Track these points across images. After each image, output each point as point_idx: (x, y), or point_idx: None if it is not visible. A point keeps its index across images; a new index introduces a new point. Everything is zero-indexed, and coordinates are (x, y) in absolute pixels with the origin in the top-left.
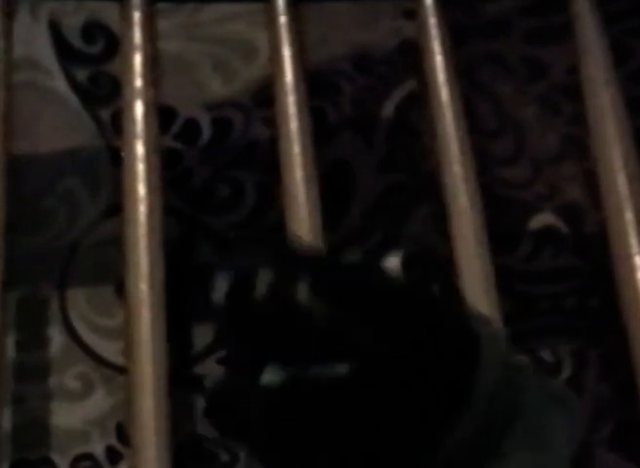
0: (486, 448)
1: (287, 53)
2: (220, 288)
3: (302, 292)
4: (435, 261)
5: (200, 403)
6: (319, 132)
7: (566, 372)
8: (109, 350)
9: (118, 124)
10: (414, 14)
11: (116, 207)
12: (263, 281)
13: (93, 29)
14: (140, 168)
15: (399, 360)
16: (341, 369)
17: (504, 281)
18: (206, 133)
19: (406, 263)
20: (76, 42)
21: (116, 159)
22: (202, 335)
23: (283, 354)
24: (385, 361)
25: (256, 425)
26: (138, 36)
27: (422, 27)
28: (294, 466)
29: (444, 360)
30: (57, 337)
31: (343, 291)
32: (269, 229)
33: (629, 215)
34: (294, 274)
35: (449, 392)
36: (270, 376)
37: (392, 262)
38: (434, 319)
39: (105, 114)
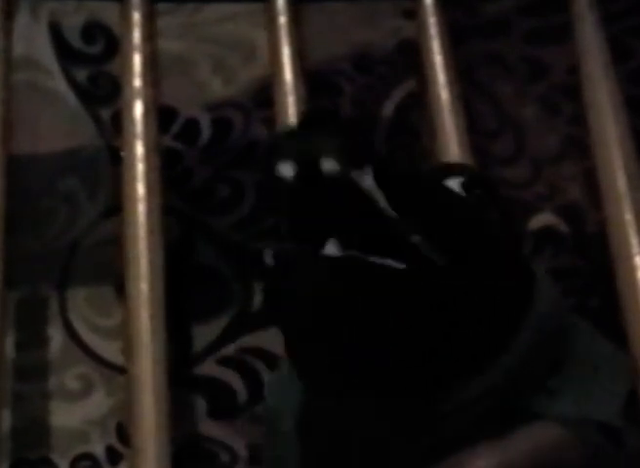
0: (536, 372)
1: (287, 53)
2: (286, 166)
3: (368, 180)
4: (494, 188)
5: (200, 403)
6: None
7: None
8: (109, 350)
9: (118, 124)
10: (414, 14)
11: (116, 207)
12: (330, 165)
13: (93, 29)
14: (140, 168)
15: (456, 271)
16: (398, 265)
17: None
18: (206, 133)
19: (466, 185)
20: (76, 42)
21: (116, 159)
22: (202, 335)
23: (346, 234)
24: (442, 269)
25: (308, 299)
26: (137, 36)
27: (422, 27)
28: (337, 355)
29: (502, 277)
30: (56, 337)
31: (407, 189)
32: (269, 229)
33: (629, 215)
34: (361, 163)
35: (504, 311)
36: (332, 249)
37: (453, 184)
38: (494, 237)
39: (105, 114)
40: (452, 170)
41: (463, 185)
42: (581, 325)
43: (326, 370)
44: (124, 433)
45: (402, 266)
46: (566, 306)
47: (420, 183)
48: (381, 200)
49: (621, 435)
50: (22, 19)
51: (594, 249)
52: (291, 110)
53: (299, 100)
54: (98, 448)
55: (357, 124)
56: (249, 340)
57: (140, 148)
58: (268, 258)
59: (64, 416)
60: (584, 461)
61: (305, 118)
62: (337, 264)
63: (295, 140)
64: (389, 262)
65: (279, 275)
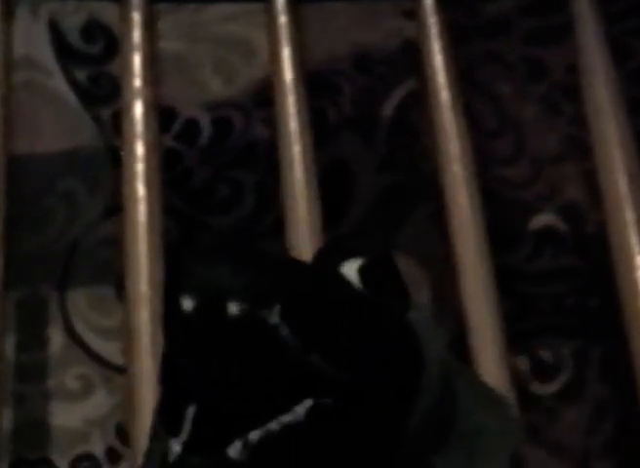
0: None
1: (287, 53)
2: (187, 301)
3: (274, 318)
4: (392, 266)
5: None
6: (319, 132)
7: (566, 373)
8: (109, 350)
9: (118, 124)
10: (414, 14)
11: (116, 207)
12: (235, 305)
13: (93, 29)
14: (140, 168)
15: (357, 387)
16: (300, 412)
17: (504, 281)
18: (206, 133)
19: (363, 270)
20: (76, 42)
21: (116, 159)
22: None
23: (247, 410)
24: (346, 389)
25: None
26: (137, 36)
27: (422, 27)
28: None
29: (396, 381)
30: (56, 338)
31: (309, 315)
32: (269, 229)
33: (629, 215)
34: (269, 302)
35: (400, 398)
36: (237, 451)
37: (350, 269)
38: (389, 339)
39: (105, 114)
40: (350, 250)
41: (360, 270)
42: (460, 372)
43: None
44: (124, 433)
45: (300, 416)
46: (448, 362)
47: (323, 293)
48: (285, 332)
49: None
50: (22, 19)
51: (594, 249)
52: (291, 110)
53: (299, 100)
54: (98, 449)
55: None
56: None
57: (140, 148)
58: (172, 460)
59: (64, 416)
60: None
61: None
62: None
63: (200, 268)
64: (286, 419)
65: None
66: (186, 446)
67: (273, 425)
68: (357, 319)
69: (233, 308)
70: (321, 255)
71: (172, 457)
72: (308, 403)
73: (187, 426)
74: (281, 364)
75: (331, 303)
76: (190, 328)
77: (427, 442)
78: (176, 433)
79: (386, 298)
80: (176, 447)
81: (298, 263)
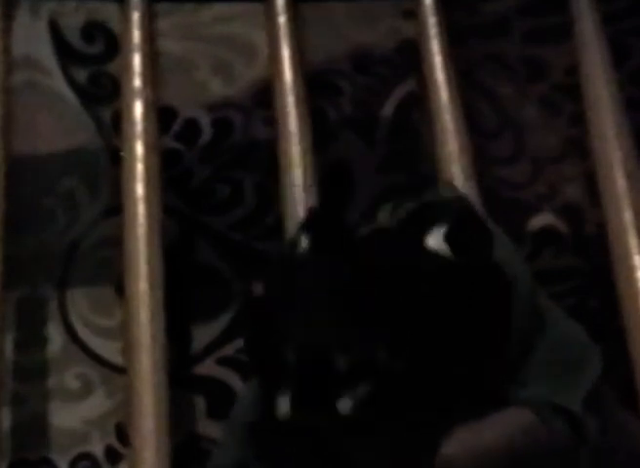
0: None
1: (286, 53)
2: (291, 354)
3: (382, 357)
4: (477, 234)
5: (200, 403)
6: (319, 132)
7: None
8: (109, 350)
9: (118, 124)
10: (414, 14)
11: (116, 207)
12: (341, 360)
13: (93, 29)
14: (140, 168)
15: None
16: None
17: None
18: (206, 133)
19: (448, 236)
20: (76, 42)
21: (116, 159)
22: (202, 335)
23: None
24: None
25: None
26: (137, 36)
27: (422, 27)
28: None
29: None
30: (56, 337)
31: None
32: (269, 229)
33: (629, 215)
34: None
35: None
36: (346, 405)
37: (435, 237)
38: (481, 305)
39: (105, 114)
40: (434, 215)
41: (447, 237)
42: (550, 306)
43: None
44: (124, 433)
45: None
46: (537, 291)
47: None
48: (399, 368)
49: (582, 423)
50: (22, 19)
51: (594, 249)
52: (291, 110)
53: (299, 101)
54: (97, 448)
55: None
56: None
57: (139, 148)
58: (282, 413)
59: (64, 416)
60: (551, 447)
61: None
62: (352, 423)
63: (295, 321)
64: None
65: (293, 433)
66: (295, 402)
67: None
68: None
69: (340, 364)
70: (403, 230)
71: (281, 414)
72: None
73: (294, 383)
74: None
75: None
76: (295, 376)
77: (519, 355)
78: (281, 390)
79: (474, 252)
80: (284, 403)
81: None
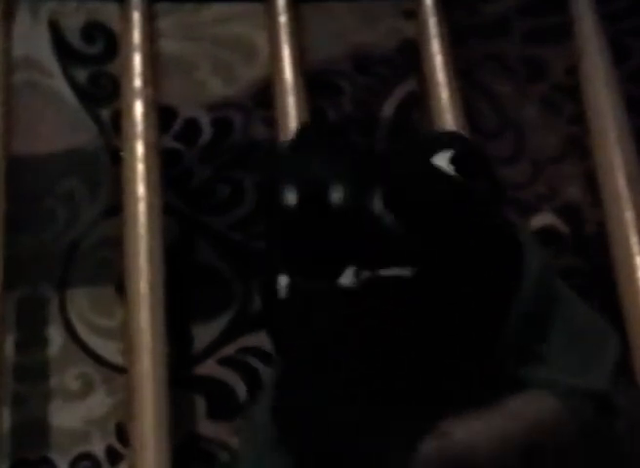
0: (526, 339)
1: (287, 53)
2: (290, 194)
3: (378, 204)
4: (479, 158)
5: (200, 403)
6: None
7: None
8: (109, 350)
9: (118, 124)
10: (414, 14)
11: (116, 207)
12: (338, 195)
13: (93, 29)
14: (140, 168)
15: (456, 262)
16: (407, 271)
17: None
18: (206, 133)
19: (453, 160)
20: (76, 42)
21: (116, 159)
22: (202, 335)
23: (356, 257)
24: (444, 263)
25: (328, 330)
26: (137, 36)
27: (422, 27)
28: (360, 377)
29: (494, 260)
30: (56, 337)
31: (410, 203)
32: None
33: (629, 215)
34: (370, 188)
35: (502, 282)
36: (347, 278)
37: (441, 159)
38: (484, 221)
39: (105, 114)
40: (440, 142)
41: (452, 160)
42: (567, 290)
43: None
44: (124, 433)
45: (408, 273)
46: (553, 271)
47: (418, 180)
48: (390, 219)
49: (611, 400)
50: (22, 19)
51: (594, 249)
52: (291, 110)
53: (299, 101)
54: (98, 448)
55: (359, 142)
56: (249, 340)
57: (140, 148)
58: (282, 291)
59: (64, 416)
60: (575, 435)
61: (306, 133)
62: (350, 296)
63: (297, 161)
64: (396, 271)
65: (293, 308)
66: (295, 273)
67: (383, 272)
68: (452, 200)
69: (336, 197)
70: (410, 148)
71: (281, 288)
72: (414, 268)
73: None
74: (383, 241)
75: (426, 184)
76: (295, 218)
77: (533, 332)
78: (281, 267)
79: (481, 186)
80: (283, 279)
81: (392, 152)
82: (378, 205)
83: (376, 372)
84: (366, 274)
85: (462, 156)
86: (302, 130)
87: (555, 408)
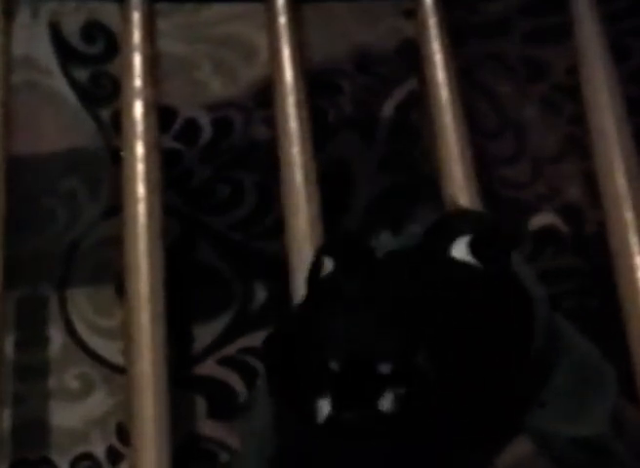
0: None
1: (287, 53)
2: (335, 364)
3: (423, 362)
4: (501, 241)
5: (200, 403)
6: (319, 132)
7: None
8: (109, 350)
9: (118, 124)
10: (414, 14)
11: (116, 207)
12: (386, 366)
13: (93, 29)
14: (140, 168)
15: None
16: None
17: None
18: (206, 133)
19: (472, 246)
20: (76, 42)
21: (116, 159)
22: (202, 335)
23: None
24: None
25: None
26: (137, 36)
27: (422, 27)
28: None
29: (511, 334)
30: (57, 337)
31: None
32: (269, 229)
33: (629, 215)
34: (416, 348)
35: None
36: (388, 403)
37: (459, 248)
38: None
39: (105, 114)
40: (457, 226)
41: (471, 246)
42: (569, 331)
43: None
44: (124, 433)
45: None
46: (554, 312)
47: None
48: (433, 375)
49: (609, 444)
50: (22, 19)
51: (594, 249)
52: (291, 110)
53: (299, 100)
54: (98, 448)
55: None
56: (249, 340)
57: (140, 148)
58: (321, 418)
59: (64, 416)
60: None
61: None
62: (395, 421)
63: (332, 321)
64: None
65: (333, 436)
66: (336, 403)
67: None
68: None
69: (385, 369)
70: (429, 239)
71: (321, 417)
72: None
73: (332, 385)
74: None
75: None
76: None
77: (537, 381)
78: (320, 393)
79: (500, 265)
80: (324, 406)
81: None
82: (424, 364)
83: None
84: (400, 392)
85: (483, 241)
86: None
87: (528, 453)
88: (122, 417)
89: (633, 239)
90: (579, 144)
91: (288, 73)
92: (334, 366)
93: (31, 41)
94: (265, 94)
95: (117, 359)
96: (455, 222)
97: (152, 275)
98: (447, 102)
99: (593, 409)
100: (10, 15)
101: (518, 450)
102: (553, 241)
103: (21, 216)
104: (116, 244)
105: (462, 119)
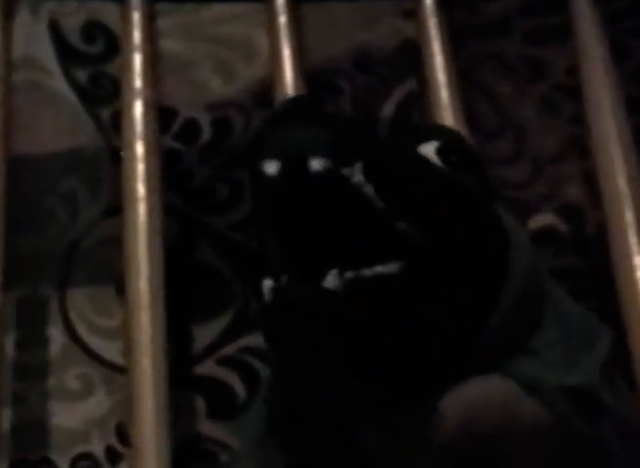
0: (517, 332)
1: (287, 53)
2: (271, 164)
3: (358, 176)
4: (468, 151)
5: (200, 403)
6: None
7: None
8: (109, 350)
9: (118, 124)
10: (414, 14)
11: (116, 207)
12: (318, 164)
13: (93, 29)
14: (140, 168)
15: (442, 253)
16: (393, 267)
17: None
18: (206, 133)
19: (440, 151)
20: (76, 42)
21: (116, 159)
22: (202, 335)
23: (339, 257)
24: (430, 255)
25: (317, 330)
26: (137, 36)
27: (422, 27)
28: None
29: (482, 250)
30: (57, 337)
31: (392, 179)
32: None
33: (629, 215)
34: (351, 159)
35: (489, 276)
36: (331, 282)
37: (428, 149)
38: (472, 213)
39: (105, 114)
40: (428, 133)
41: (438, 151)
42: (559, 291)
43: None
44: (124, 433)
45: (397, 267)
46: (545, 271)
47: (403, 162)
48: (370, 192)
49: (600, 396)
50: (23, 18)
51: (594, 249)
52: None
53: None
54: (97, 448)
55: (342, 114)
56: (249, 340)
57: (140, 148)
58: (267, 295)
59: (64, 416)
60: (548, 429)
61: (289, 107)
62: (336, 298)
63: (279, 133)
64: (380, 269)
65: (277, 312)
66: (280, 279)
67: (366, 271)
68: (438, 188)
69: (316, 165)
70: (398, 134)
71: (266, 292)
72: (401, 262)
73: (279, 267)
74: (367, 221)
75: (411, 169)
76: (277, 189)
77: (521, 326)
78: (268, 274)
79: (468, 179)
80: (268, 283)
81: (375, 127)
82: (358, 175)
83: (361, 374)
84: (349, 275)
85: (450, 148)
86: (286, 102)
87: (514, 389)
88: (122, 417)
89: (633, 239)
90: (579, 144)
91: (288, 73)
92: (269, 168)
93: (31, 41)
94: (265, 94)
95: (117, 359)
96: (424, 129)
97: (152, 275)
98: (447, 102)
99: (582, 361)
100: (10, 14)
101: (505, 385)
102: (553, 241)
103: (21, 216)
104: (116, 244)
105: (462, 119)
